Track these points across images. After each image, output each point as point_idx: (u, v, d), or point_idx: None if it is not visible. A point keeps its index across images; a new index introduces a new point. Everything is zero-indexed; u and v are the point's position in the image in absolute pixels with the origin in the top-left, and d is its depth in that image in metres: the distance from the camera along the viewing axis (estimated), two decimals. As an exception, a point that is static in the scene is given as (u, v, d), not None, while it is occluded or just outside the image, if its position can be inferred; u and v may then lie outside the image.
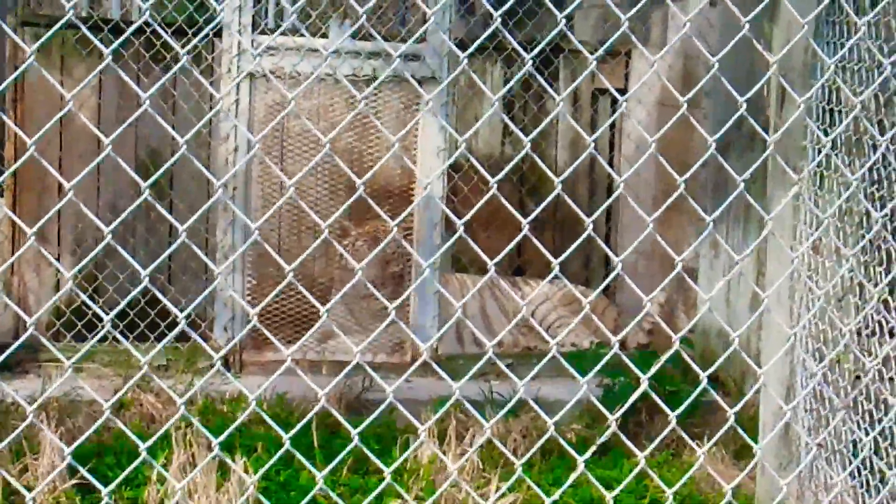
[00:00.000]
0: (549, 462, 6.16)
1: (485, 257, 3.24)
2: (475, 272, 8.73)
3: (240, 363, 7.53)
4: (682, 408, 3.47)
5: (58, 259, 8.49)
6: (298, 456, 3.25)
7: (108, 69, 8.36)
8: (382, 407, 3.20)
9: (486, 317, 8.53)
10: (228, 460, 5.07)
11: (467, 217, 3.27)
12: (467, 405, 3.58)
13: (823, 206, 4.44)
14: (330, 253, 8.14)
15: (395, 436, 6.17)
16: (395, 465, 3.39)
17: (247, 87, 7.61)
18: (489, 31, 3.26)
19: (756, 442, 5.39)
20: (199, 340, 4.66)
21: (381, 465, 3.21)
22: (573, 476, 3.37)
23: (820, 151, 4.41)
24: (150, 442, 3.01)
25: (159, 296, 3.15)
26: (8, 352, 3.27)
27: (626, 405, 3.48)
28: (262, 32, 7.64)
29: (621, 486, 3.82)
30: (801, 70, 4.47)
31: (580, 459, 3.23)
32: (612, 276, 8.85)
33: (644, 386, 3.30)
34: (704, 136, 3.64)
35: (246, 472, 5.31)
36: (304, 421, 3.43)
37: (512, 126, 8.88)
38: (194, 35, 8.13)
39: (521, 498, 5.44)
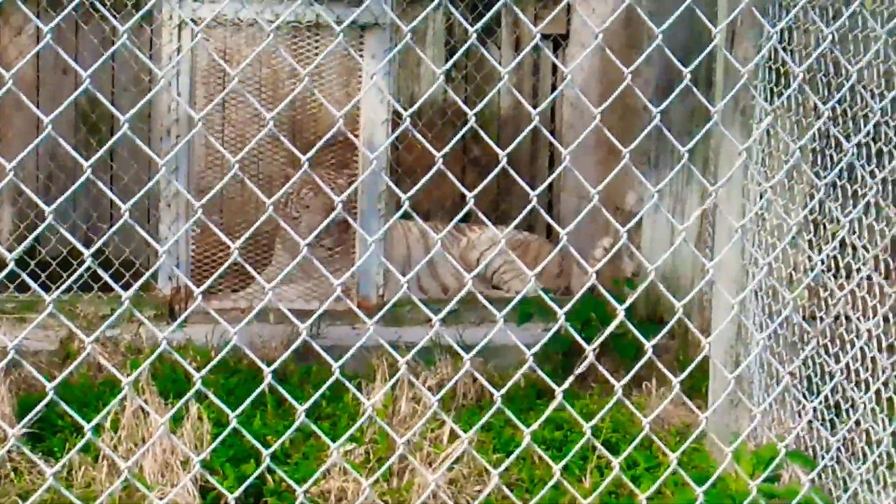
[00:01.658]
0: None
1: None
2: (420, 217, 8.73)
3: (185, 311, 7.50)
4: (658, 337, 3.48)
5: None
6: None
7: (46, 17, 8.27)
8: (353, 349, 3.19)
9: (430, 262, 8.51)
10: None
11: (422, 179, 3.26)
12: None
13: (776, 145, 4.49)
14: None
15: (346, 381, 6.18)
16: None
17: (188, 34, 7.53)
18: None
19: (706, 380, 5.47)
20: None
21: (296, 404, 3.19)
22: (552, 406, 3.38)
23: (772, 91, 4.45)
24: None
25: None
26: None
27: (603, 336, 3.50)
28: (203, -22, 7.56)
29: (600, 415, 3.81)
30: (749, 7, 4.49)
31: (558, 390, 3.23)
32: (526, 210, 8.89)
33: (621, 316, 3.32)
34: (647, 78, 3.67)
35: (199, 418, 5.32)
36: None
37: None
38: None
39: (475, 440, 5.48)
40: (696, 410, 3.66)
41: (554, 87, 9.20)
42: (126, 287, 7.48)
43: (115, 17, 3.09)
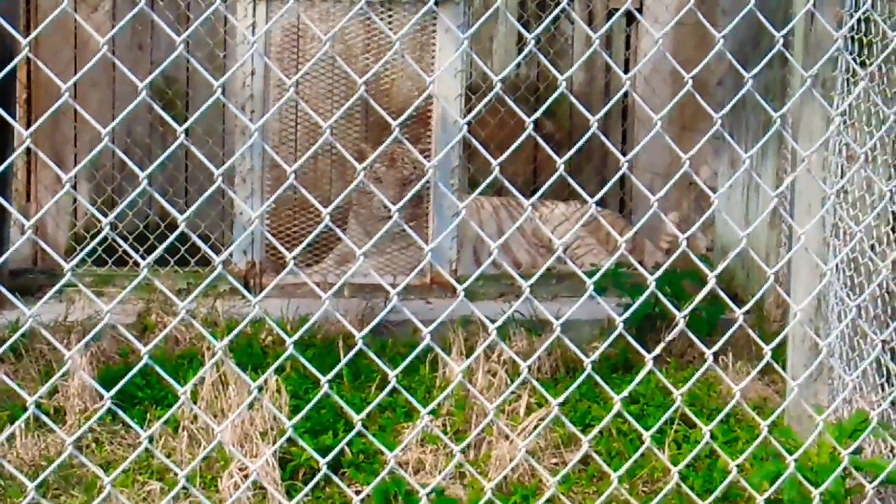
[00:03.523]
0: (573, 377, 6.22)
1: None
2: (492, 193, 8.73)
3: (259, 286, 7.56)
4: (748, 306, 3.50)
5: (74, 184, 8.49)
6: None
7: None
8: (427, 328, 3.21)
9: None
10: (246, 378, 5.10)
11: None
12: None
13: (859, 116, 4.46)
14: (347, 176, 8.15)
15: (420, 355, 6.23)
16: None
17: (263, 9, 7.57)
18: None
19: (783, 355, 5.43)
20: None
21: (388, 370, 3.22)
22: (643, 372, 3.40)
23: (855, 62, 4.42)
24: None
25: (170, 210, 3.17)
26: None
27: (696, 302, 3.54)
28: (278, -47, 7.60)
29: (691, 381, 3.82)
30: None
31: (649, 357, 3.26)
32: (617, 175, 8.91)
33: (712, 283, 3.33)
34: (719, 54, 3.64)
35: (277, 391, 5.37)
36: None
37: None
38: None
39: (549, 412, 5.47)
40: (786, 378, 3.63)
41: (627, 62, 9.15)
42: (203, 261, 7.59)
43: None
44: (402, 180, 7.86)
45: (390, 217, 7.63)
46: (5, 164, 3.16)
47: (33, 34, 3.09)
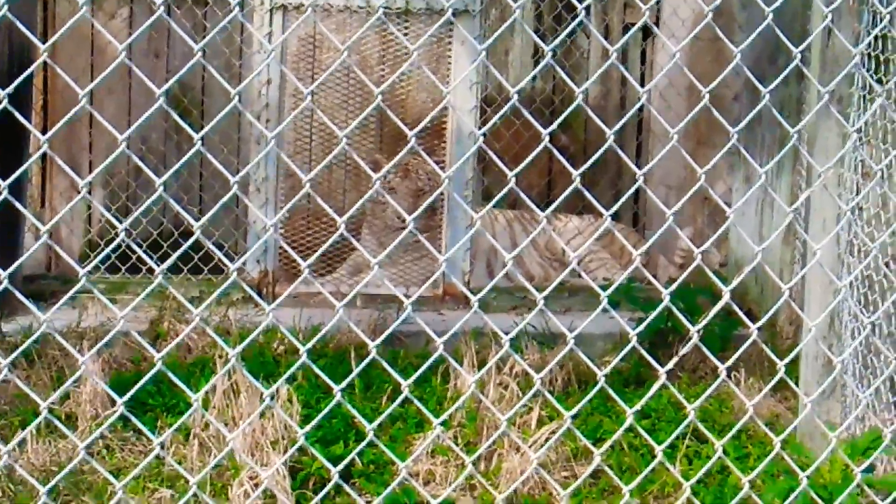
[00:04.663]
0: (584, 391, 6.21)
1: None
2: (506, 206, 8.72)
3: (272, 295, 7.57)
4: (763, 319, 3.48)
5: (89, 191, 8.50)
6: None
7: (140, 1, 8.38)
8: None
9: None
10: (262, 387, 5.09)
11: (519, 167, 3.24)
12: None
13: (875, 133, 4.46)
14: (361, 186, 8.16)
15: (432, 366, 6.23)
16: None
17: (279, 19, 7.59)
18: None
19: (795, 372, 5.42)
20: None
21: (401, 380, 3.20)
22: (654, 388, 3.38)
23: (872, 79, 4.42)
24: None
25: (186, 217, 3.17)
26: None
27: (711, 314, 3.53)
28: (295, -37, 7.62)
29: (705, 395, 3.78)
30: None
31: (662, 371, 3.24)
32: (633, 189, 8.91)
33: (726, 298, 3.32)
34: (736, 70, 3.63)
35: (289, 400, 5.36)
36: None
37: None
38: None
39: (561, 425, 5.46)
40: (800, 394, 3.62)
41: (643, 76, 9.15)
42: (216, 269, 7.60)
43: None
44: (416, 191, 7.86)
45: (404, 228, 7.65)
46: (21, 169, 3.15)
47: (52, 40, 3.09)
